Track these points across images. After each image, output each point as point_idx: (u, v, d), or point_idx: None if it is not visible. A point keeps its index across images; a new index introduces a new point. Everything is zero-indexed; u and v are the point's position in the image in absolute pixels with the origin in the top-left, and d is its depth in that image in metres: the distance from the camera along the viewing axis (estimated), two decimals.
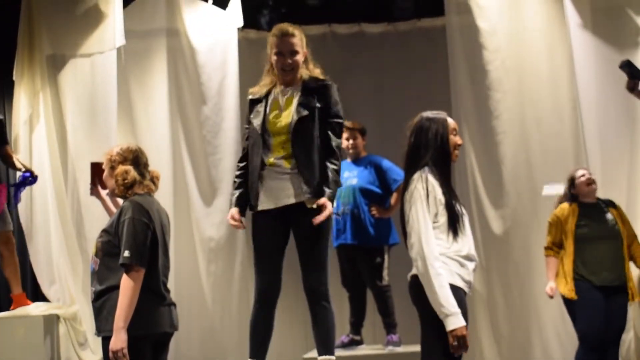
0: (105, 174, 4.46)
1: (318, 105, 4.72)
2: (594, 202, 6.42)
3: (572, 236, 6.27)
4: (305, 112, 4.69)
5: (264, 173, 4.71)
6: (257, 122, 4.76)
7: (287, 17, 8.27)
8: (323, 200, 4.61)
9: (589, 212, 6.36)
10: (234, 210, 4.81)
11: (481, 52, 7.43)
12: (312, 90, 4.77)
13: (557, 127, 7.37)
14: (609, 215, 6.34)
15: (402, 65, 8.63)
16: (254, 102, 4.87)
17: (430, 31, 8.55)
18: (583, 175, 6.44)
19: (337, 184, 4.72)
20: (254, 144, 4.77)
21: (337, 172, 4.72)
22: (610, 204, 6.44)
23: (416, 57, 8.61)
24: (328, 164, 4.69)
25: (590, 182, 6.42)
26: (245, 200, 4.85)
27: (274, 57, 4.79)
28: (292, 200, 4.66)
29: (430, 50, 8.45)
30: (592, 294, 6.14)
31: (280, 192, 4.68)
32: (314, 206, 4.60)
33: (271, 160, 4.70)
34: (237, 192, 4.88)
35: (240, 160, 4.95)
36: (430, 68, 8.44)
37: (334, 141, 4.75)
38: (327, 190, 4.64)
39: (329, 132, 4.75)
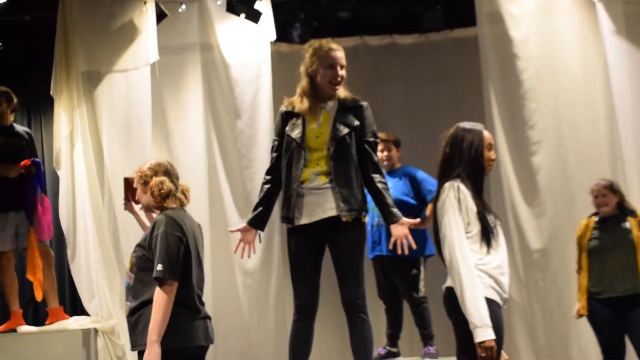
0: (138, 191, 4.45)
1: (357, 123, 4.71)
2: (613, 214, 6.34)
3: (586, 250, 6.30)
4: (346, 130, 4.69)
5: (299, 189, 4.69)
6: (296, 134, 4.73)
7: (319, 30, 8.33)
8: (402, 220, 4.76)
9: (604, 224, 6.32)
10: (242, 226, 4.88)
11: (514, 62, 7.36)
12: (350, 109, 4.76)
13: (592, 135, 7.28)
14: (627, 225, 6.28)
15: (434, 76, 8.59)
16: (289, 115, 4.83)
17: (463, 41, 8.50)
18: (593, 189, 6.40)
19: (394, 205, 4.82)
20: (292, 157, 4.73)
21: (391, 196, 4.82)
22: (631, 214, 6.34)
23: (448, 67, 8.57)
24: (380, 185, 4.75)
25: (597, 195, 6.36)
26: (261, 218, 4.87)
27: (322, 71, 4.73)
28: (327, 214, 4.64)
29: (463, 61, 8.40)
30: (602, 312, 6.20)
31: (315, 207, 4.66)
32: (349, 220, 4.62)
33: (307, 175, 4.68)
34: (256, 211, 4.90)
35: (268, 173, 4.92)
36: (463, 78, 8.39)
37: (375, 158, 4.79)
38: (397, 212, 4.77)
39: (369, 150, 4.75)
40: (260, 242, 5.00)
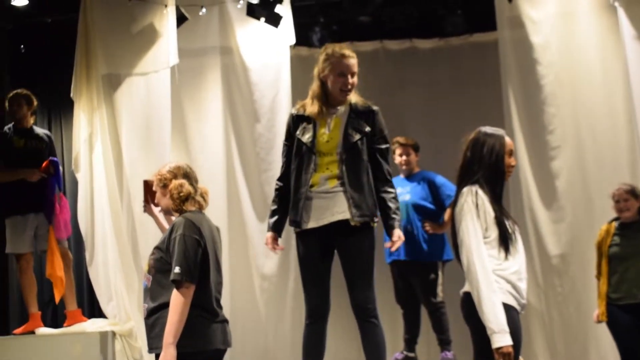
0: (157, 194, 4.46)
1: (368, 129, 4.71)
2: (634, 220, 6.29)
3: (606, 256, 6.25)
4: (358, 136, 4.69)
5: (308, 192, 4.69)
6: (307, 138, 4.74)
7: (338, 34, 8.35)
8: (397, 233, 4.73)
9: (625, 230, 6.28)
10: (270, 235, 4.92)
11: (534, 67, 7.33)
12: (361, 114, 4.76)
13: (612, 140, 7.22)
14: None
15: (454, 80, 8.57)
16: (300, 119, 4.84)
17: (483, 46, 8.47)
18: (614, 194, 6.34)
19: (398, 211, 4.79)
20: (302, 160, 4.75)
21: (396, 199, 4.80)
22: None
23: (468, 72, 8.54)
24: (385, 195, 4.73)
25: (618, 199, 6.31)
26: (282, 224, 4.93)
27: (332, 77, 4.74)
28: (335, 218, 4.65)
29: (483, 66, 8.37)
30: (622, 317, 6.13)
31: (324, 210, 4.67)
32: (358, 224, 4.64)
33: (316, 179, 4.68)
34: (274, 218, 4.94)
35: (280, 179, 4.93)
36: (483, 83, 8.36)
37: (385, 166, 4.77)
38: (396, 223, 4.74)
39: (380, 158, 4.74)
40: (277, 245, 5.01)
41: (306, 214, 4.70)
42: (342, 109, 4.79)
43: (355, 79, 4.76)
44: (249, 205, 7.77)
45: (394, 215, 4.76)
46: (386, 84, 8.39)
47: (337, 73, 4.73)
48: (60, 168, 6.99)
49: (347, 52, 4.78)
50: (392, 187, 4.81)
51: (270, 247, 4.92)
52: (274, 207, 4.94)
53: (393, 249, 4.80)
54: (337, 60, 4.74)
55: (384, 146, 4.79)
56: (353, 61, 4.77)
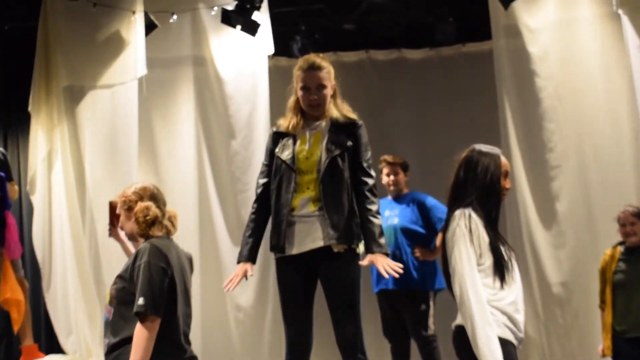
0: (121, 217, 4.43)
1: (349, 144, 4.68)
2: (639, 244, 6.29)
3: (610, 284, 6.24)
4: (337, 151, 4.64)
5: (289, 217, 4.65)
6: (286, 155, 4.70)
7: (321, 43, 8.34)
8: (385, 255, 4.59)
9: (631, 255, 6.26)
10: (242, 268, 4.74)
11: (532, 79, 7.34)
12: (342, 128, 4.72)
13: (616, 158, 7.23)
14: None
15: (445, 93, 8.59)
16: (280, 136, 4.81)
17: (476, 57, 8.51)
18: (619, 216, 6.33)
19: (382, 235, 4.65)
20: (282, 180, 4.70)
21: (380, 225, 4.66)
22: None
23: (461, 85, 8.56)
24: (370, 217, 4.64)
25: (624, 222, 6.29)
26: (256, 252, 4.82)
27: (299, 92, 4.73)
28: (317, 244, 4.59)
29: (476, 78, 8.39)
30: (628, 353, 6.14)
31: (305, 236, 4.61)
32: (341, 250, 4.57)
33: (296, 201, 4.64)
34: (248, 245, 4.82)
35: (256, 201, 4.87)
36: (476, 97, 8.38)
37: (368, 185, 4.69)
38: (381, 249, 4.58)
39: (362, 177, 4.69)
40: (246, 279, 4.91)
41: (287, 240, 4.65)
42: (323, 123, 4.76)
43: (324, 92, 4.72)
44: (224, 230, 7.73)
45: (379, 240, 4.69)
46: (372, 97, 8.38)
47: (300, 87, 4.72)
48: (18, 189, 6.91)
49: (314, 62, 4.74)
50: (377, 210, 4.74)
51: (237, 280, 4.77)
52: (249, 232, 4.88)
53: (387, 272, 4.66)
54: (301, 73, 4.73)
55: (367, 163, 4.74)
56: (319, 73, 4.71)
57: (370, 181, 4.70)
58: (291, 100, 4.82)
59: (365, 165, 4.72)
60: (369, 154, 4.76)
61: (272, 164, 4.78)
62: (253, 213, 4.87)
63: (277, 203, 4.71)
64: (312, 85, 4.69)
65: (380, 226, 4.66)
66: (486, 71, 7.88)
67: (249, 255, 4.78)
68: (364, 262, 4.60)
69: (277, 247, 4.70)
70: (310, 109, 4.73)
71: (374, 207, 4.67)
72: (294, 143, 4.73)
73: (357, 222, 4.66)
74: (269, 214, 4.82)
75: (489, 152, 3.94)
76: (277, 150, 4.76)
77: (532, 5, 7.44)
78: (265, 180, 4.82)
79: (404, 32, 8.64)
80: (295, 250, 4.62)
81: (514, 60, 7.48)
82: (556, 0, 7.37)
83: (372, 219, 4.63)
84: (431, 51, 8.79)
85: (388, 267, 4.52)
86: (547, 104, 7.31)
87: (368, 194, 4.68)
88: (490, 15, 7.56)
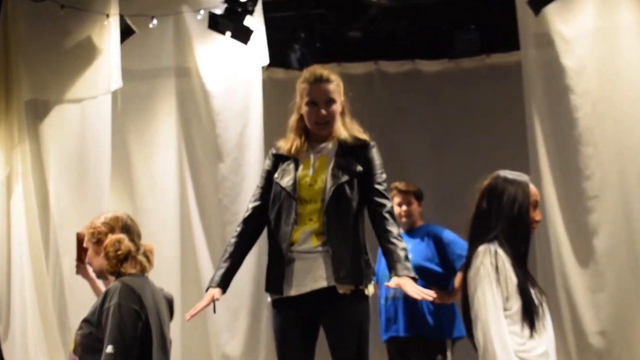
0: (89, 251, 4.43)
1: (359, 169, 4.67)
2: None
3: None
4: (345, 177, 4.63)
5: (288, 252, 4.63)
6: (286, 182, 4.69)
7: (323, 53, 8.34)
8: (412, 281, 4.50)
9: None
10: (216, 292, 4.73)
11: (567, 96, 7.34)
12: (351, 151, 4.71)
13: None
14: None
15: (466, 112, 8.60)
16: (280, 159, 4.80)
17: (502, 70, 8.53)
18: None
19: (408, 259, 4.59)
20: (281, 210, 4.69)
21: (405, 248, 4.61)
22: None
23: (484, 102, 8.58)
24: (392, 240, 4.58)
25: None
26: (230, 278, 4.79)
27: (305, 108, 4.72)
28: (318, 285, 4.55)
29: (502, 94, 8.42)
30: None
31: (305, 275, 4.59)
32: (347, 292, 4.53)
33: (297, 235, 4.63)
34: (222, 268, 4.79)
35: (242, 223, 4.86)
36: (502, 116, 8.40)
37: (387, 207, 4.65)
38: (408, 272, 4.50)
39: (377, 199, 4.67)
40: (214, 309, 4.89)
41: (286, 279, 4.63)
42: (330, 145, 4.76)
43: (334, 108, 4.72)
44: (209, 267, 7.68)
45: (406, 263, 4.61)
46: (382, 115, 8.39)
47: (306, 102, 4.72)
48: None
49: (321, 74, 4.75)
50: (395, 226, 4.69)
51: (200, 307, 4.73)
52: (226, 255, 4.85)
53: (418, 294, 4.56)
54: (307, 86, 4.72)
55: (383, 187, 4.72)
56: (328, 86, 4.72)
57: (389, 204, 4.67)
58: (293, 119, 4.80)
59: (380, 188, 4.70)
60: (384, 177, 4.72)
61: (268, 188, 4.77)
62: (235, 237, 4.84)
63: (274, 236, 4.70)
64: (321, 99, 4.68)
65: (406, 249, 4.60)
66: (513, 86, 7.90)
67: (220, 281, 4.75)
68: (390, 284, 4.51)
69: (274, 287, 4.68)
70: (318, 128, 4.72)
71: (395, 230, 4.62)
72: (296, 168, 4.72)
73: (367, 259, 4.65)
74: (252, 242, 4.83)
75: (515, 179, 3.95)
76: (276, 175, 4.75)
77: (567, 10, 7.43)
78: (256, 204, 4.80)
79: (419, 40, 8.67)
80: (293, 291, 4.59)
81: (546, 74, 7.48)
82: (595, 5, 7.35)
83: (395, 241, 4.57)
84: (450, 63, 8.82)
85: (420, 291, 4.40)
86: (584, 124, 7.29)
87: (387, 215, 4.63)
88: (519, 22, 7.57)
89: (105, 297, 4.17)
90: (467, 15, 8.34)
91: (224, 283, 4.76)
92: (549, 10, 7.35)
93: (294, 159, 4.74)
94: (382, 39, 8.75)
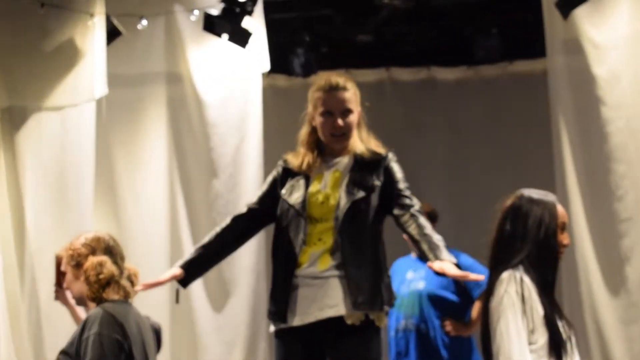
0: (67, 275, 4.42)
1: (377, 183, 4.65)
2: None
3: None
4: (362, 194, 4.62)
5: (292, 277, 4.62)
6: (295, 198, 4.67)
7: (330, 59, 8.36)
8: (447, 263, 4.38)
9: None
10: (178, 272, 4.70)
11: (598, 108, 7.33)
12: (368, 165, 4.70)
13: None
14: None
15: (486, 124, 8.61)
16: (289, 173, 4.79)
17: (526, 78, 8.54)
18: None
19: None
20: (289, 228, 4.67)
21: (442, 240, 4.55)
22: None
23: (506, 113, 8.60)
24: (428, 232, 4.52)
25: None
26: (198, 268, 4.78)
27: (319, 119, 4.72)
28: (324, 314, 4.54)
29: (526, 105, 8.43)
30: None
31: (310, 302, 4.57)
32: (357, 323, 4.51)
33: (305, 257, 4.61)
34: (196, 253, 4.81)
35: (233, 219, 4.85)
36: (526, 129, 8.41)
37: (415, 207, 4.60)
38: (450, 258, 4.41)
39: (404, 202, 4.62)
40: (177, 301, 4.86)
41: (289, 306, 4.62)
42: (345, 159, 4.75)
43: (351, 119, 4.72)
44: (202, 293, 7.71)
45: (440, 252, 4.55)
46: (393, 127, 8.40)
47: (321, 112, 4.71)
48: None
49: (336, 82, 4.74)
50: (428, 224, 4.62)
51: (158, 281, 4.68)
52: (203, 243, 4.85)
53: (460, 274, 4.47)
54: (321, 94, 4.72)
55: (407, 192, 4.68)
56: (345, 94, 4.72)
57: (417, 204, 4.62)
58: (304, 132, 4.80)
59: (406, 193, 4.66)
60: (407, 186, 4.71)
61: (270, 196, 4.77)
62: (219, 229, 4.84)
63: (280, 257, 4.69)
64: (337, 109, 4.68)
65: (443, 241, 4.55)
66: (538, 97, 7.92)
67: (186, 265, 4.74)
68: (434, 266, 4.38)
69: (277, 314, 4.66)
70: (333, 140, 4.71)
71: (429, 225, 4.58)
72: (307, 184, 4.71)
73: (388, 282, 4.63)
74: (235, 244, 4.89)
75: (541, 199, 3.95)
76: (284, 192, 4.74)
77: (599, 14, 7.42)
78: (254, 206, 4.83)
79: (435, 45, 8.67)
80: (297, 320, 4.58)
81: (575, 84, 7.48)
82: (630, 7, 7.33)
83: (431, 232, 4.53)
84: (469, 70, 8.84)
85: (465, 274, 4.32)
86: (617, 140, 7.28)
87: (417, 214, 4.59)
88: (545, 26, 7.57)
89: (84, 326, 4.17)
90: (488, 18, 8.36)
91: (189, 270, 4.74)
92: (579, 13, 7.34)
93: (305, 174, 4.73)
94: (395, 43, 8.76)
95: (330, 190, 4.67)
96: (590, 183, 7.39)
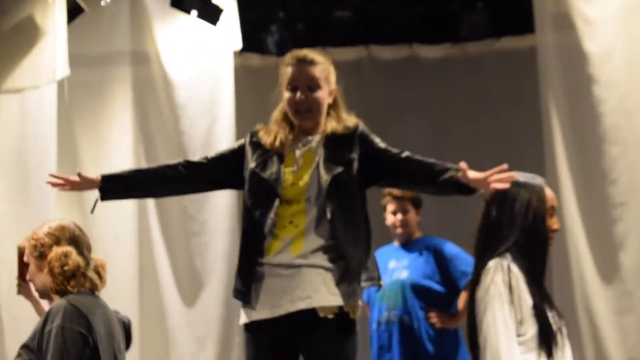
0: (30, 267, 4.42)
1: (354, 156, 4.66)
2: None
3: None
4: (340, 169, 4.61)
5: (258, 264, 4.63)
6: (269, 174, 4.66)
7: (306, 36, 8.37)
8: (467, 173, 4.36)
9: None
10: (96, 177, 4.67)
11: (589, 87, 7.34)
12: (341, 141, 4.70)
13: None
14: None
15: (472, 104, 8.62)
16: (258, 147, 4.79)
17: (514, 55, 8.57)
18: None
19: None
20: (258, 207, 4.67)
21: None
22: None
23: (493, 93, 8.61)
24: (429, 159, 4.59)
25: None
26: (119, 184, 4.74)
27: (285, 94, 4.74)
28: (296, 307, 4.51)
29: (513, 84, 8.45)
30: None
31: (281, 294, 4.54)
32: (330, 315, 4.48)
33: (275, 243, 4.61)
34: (127, 171, 4.85)
35: (186, 162, 4.86)
36: (514, 109, 8.44)
37: (405, 152, 4.61)
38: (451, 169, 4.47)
39: (388, 155, 4.64)
40: (92, 211, 4.73)
41: (258, 296, 4.62)
42: (317, 137, 4.75)
43: (318, 95, 4.71)
44: (172, 284, 7.72)
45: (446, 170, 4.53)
46: (374, 107, 8.38)
47: (286, 87, 4.73)
48: None
49: (303, 55, 4.74)
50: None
51: (69, 178, 4.66)
52: (146, 166, 4.91)
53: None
54: (288, 69, 4.73)
55: (390, 148, 4.67)
56: (312, 68, 4.72)
57: (406, 152, 4.62)
58: (277, 111, 4.82)
59: (389, 149, 4.66)
60: (388, 144, 4.70)
61: (229, 162, 4.80)
62: (165, 164, 4.87)
63: (248, 237, 4.69)
64: (302, 83, 4.68)
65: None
66: (527, 75, 7.93)
67: (110, 176, 4.73)
68: (469, 174, 4.29)
69: (242, 293, 4.66)
70: (298, 117, 4.69)
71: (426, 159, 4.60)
72: (280, 162, 4.71)
73: (374, 259, 4.65)
74: (169, 187, 4.89)
75: (528, 182, 3.98)
76: (253, 165, 4.73)
77: None
78: (211, 161, 4.83)
79: (417, 22, 8.68)
80: (268, 312, 4.57)
81: (565, 62, 7.50)
82: None
83: (430, 159, 4.56)
84: (453, 48, 8.85)
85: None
86: (610, 120, 7.30)
87: (409, 154, 4.60)
88: (534, 0, 7.60)
89: (46, 319, 4.17)
90: None
91: (109, 183, 4.69)
92: None
93: (277, 152, 4.73)
94: (375, 19, 8.75)
95: (302, 170, 4.67)
96: (582, 166, 7.41)
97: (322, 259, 4.54)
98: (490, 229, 3.95)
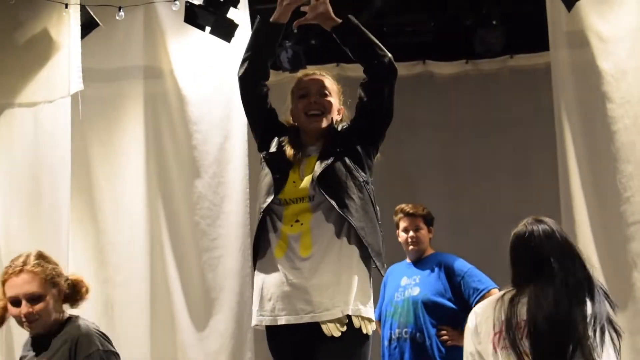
0: (47, 300, 4.44)
1: (342, 148, 4.77)
2: None
3: None
4: (330, 159, 4.71)
5: (273, 263, 4.69)
6: (284, 159, 4.80)
7: (319, 52, 8.37)
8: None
9: None
10: None
11: (603, 105, 7.32)
12: (335, 138, 4.83)
13: None
14: None
15: (486, 120, 8.61)
16: (283, 134, 4.96)
17: (528, 72, 8.56)
18: None
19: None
20: (271, 181, 4.79)
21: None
22: None
23: (506, 110, 8.59)
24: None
25: None
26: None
27: (296, 104, 4.87)
28: (309, 317, 4.57)
29: (528, 101, 8.43)
30: None
31: (295, 299, 4.61)
32: (337, 333, 4.51)
33: (283, 241, 4.70)
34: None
35: None
36: (527, 125, 8.41)
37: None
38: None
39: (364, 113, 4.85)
40: None
41: (273, 299, 4.65)
42: (320, 143, 4.81)
43: (330, 100, 4.87)
44: (182, 304, 7.69)
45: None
46: None
47: (297, 97, 4.85)
48: None
49: (313, 71, 4.96)
50: None
51: None
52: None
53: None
54: (296, 84, 4.92)
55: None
56: (321, 78, 4.91)
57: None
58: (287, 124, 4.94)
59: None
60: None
61: (272, 111, 5.00)
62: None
63: (261, 235, 4.77)
64: (313, 89, 4.84)
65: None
66: (541, 92, 7.93)
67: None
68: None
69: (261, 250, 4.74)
70: (309, 122, 4.82)
71: None
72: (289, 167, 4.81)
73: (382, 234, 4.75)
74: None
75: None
76: (273, 149, 4.88)
77: (605, 5, 7.42)
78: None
79: (432, 38, 8.69)
80: (285, 318, 4.62)
81: (579, 79, 7.48)
82: None
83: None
84: (467, 65, 8.85)
85: None
86: (624, 139, 7.26)
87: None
88: (548, 18, 7.58)
89: (76, 348, 4.21)
90: (489, 9, 8.36)
91: None
92: (584, 4, 7.34)
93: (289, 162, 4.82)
94: (388, 35, 8.76)
95: (305, 172, 4.74)
96: (596, 184, 7.38)
97: (331, 260, 4.62)
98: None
